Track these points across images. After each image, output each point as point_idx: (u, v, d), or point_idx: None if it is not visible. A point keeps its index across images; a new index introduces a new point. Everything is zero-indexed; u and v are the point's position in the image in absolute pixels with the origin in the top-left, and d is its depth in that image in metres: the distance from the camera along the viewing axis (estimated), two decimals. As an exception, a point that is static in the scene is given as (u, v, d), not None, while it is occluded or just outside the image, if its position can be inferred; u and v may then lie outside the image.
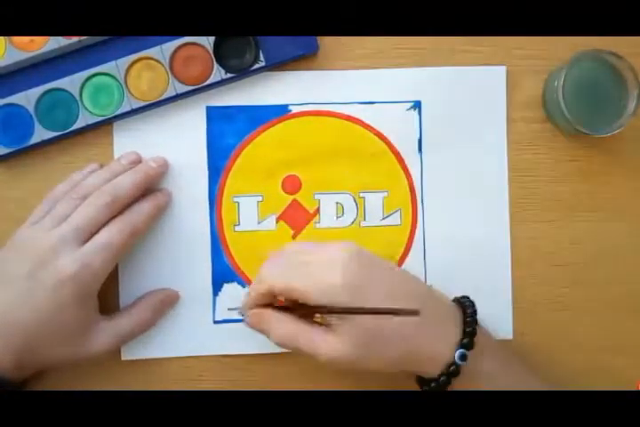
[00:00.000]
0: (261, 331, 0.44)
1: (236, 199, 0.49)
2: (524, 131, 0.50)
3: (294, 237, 0.49)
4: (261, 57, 0.47)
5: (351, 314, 0.40)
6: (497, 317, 0.49)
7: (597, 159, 0.50)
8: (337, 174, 0.49)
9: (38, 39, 0.46)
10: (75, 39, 0.46)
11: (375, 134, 0.49)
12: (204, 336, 0.48)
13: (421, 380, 0.43)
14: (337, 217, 0.49)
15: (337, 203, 0.49)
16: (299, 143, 0.49)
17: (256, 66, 0.47)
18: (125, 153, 0.47)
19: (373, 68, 0.49)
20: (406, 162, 0.49)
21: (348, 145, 0.49)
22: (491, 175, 0.50)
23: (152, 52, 0.47)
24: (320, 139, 0.49)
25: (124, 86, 0.47)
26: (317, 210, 0.49)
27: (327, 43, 0.49)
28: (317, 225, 0.49)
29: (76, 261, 0.42)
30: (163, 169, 0.47)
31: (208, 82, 0.47)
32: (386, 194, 0.49)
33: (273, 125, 0.49)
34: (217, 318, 0.48)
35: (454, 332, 0.42)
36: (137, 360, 0.48)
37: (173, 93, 0.47)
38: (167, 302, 0.47)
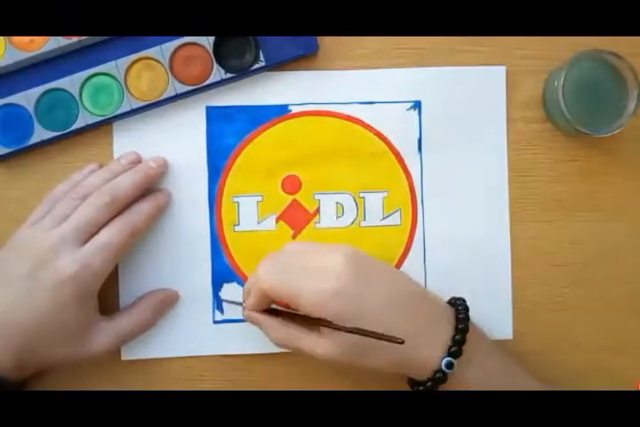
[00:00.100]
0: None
1: (235, 199, 0.49)
2: (524, 131, 0.50)
3: (294, 237, 0.49)
4: (261, 57, 0.47)
5: (337, 329, 0.40)
6: (497, 317, 0.49)
7: (597, 159, 0.50)
8: (337, 174, 0.49)
9: (38, 39, 0.46)
10: (74, 39, 0.46)
11: (375, 134, 0.49)
12: (203, 336, 0.48)
13: (412, 380, 0.44)
14: (337, 217, 0.49)
15: (337, 203, 0.49)
16: (299, 143, 0.49)
17: (256, 66, 0.47)
18: (125, 153, 0.47)
19: (373, 68, 0.49)
20: (406, 162, 0.49)
21: (348, 145, 0.49)
22: (491, 175, 0.50)
23: (152, 52, 0.47)
24: (320, 139, 0.49)
25: (123, 86, 0.47)
26: (317, 210, 0.49)
27: (327, 43, 0.49)
28: (317, 225, 0.49)
29: (75, 261, 0.42)
30: (162, 169, 0.47)
31: (208, 82, 0.47)
32: (386, 194, 0.49)
33: (273, 125, 0.49)
34: (217, 319, 0.48)
35: (447, 331, 0.42)
36: (137, 360, 0.48)
37: (173, 93, 0.47)
38: (167, 302, 0.47)
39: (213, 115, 0.49)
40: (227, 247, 0.48)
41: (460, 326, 0.42)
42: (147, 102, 0.47)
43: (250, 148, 0.49)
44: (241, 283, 0.48)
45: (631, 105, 0.46)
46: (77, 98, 0.47)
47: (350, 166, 0.49)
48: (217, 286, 0.48)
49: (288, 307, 0.44)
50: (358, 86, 0.49)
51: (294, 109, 0.49)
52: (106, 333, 0.44)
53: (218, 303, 0.48)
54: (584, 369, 0.50)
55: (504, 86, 0.50)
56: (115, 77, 0.47)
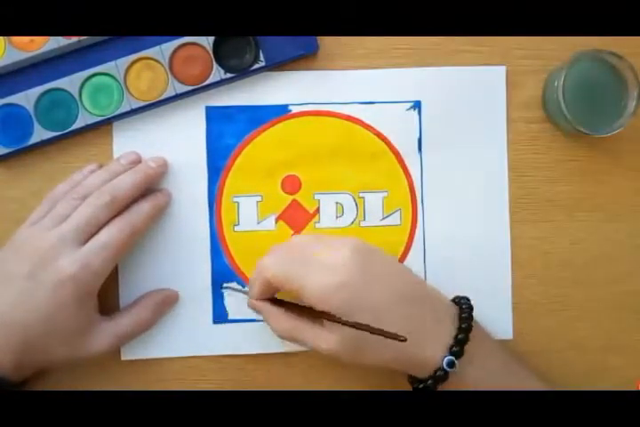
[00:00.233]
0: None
1: (235, 199, 0.49)
2: (524, 131, 0.50)
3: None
4: (261, 57, 0.47)
5: (339, 323, 0.40)
6: (497, 317, 0.49)
7: (597, 159, 0.50)
8: (337, 174, 0.49)
9: (38, 39, 0.46)
10: (74, 39, 0.46)
11: (375, 134, 0.49)
12: (203, 336, 0.48)
13: (412, 378, 0.44)
14: (337, 217, 0.49)
15: (337, 203, 0.49)
16: (299, 143, 0.49)
17: (256, 66, 0.47)
18: (125, 153, 0.47)
19: (373, 68, 0.49)
20: (406, 162, 0.49)
21: (348, 145, 0.49)
22: (491, 175, 0.50)
23: (151, 52, 0.47)
24: (320, 139, 0.49)
25: (123, 86, 0.47)
26: (317, 210, 0.49)
27: (327, 43, 0.49)
28: (317, 225, 0.49)
29: (75, 261, 0.42)
30: (162, 169, 0.47)
31: (208, 82, 0.47)
32: (386, 194, 0.49)
33: (273, 125, 0.49)
34: (216, 318, 0.48)
35: (449, 330, 0.42)
36: (137, 360, 0.48)
37: (173, 93, 0.47)
38: (167, 302, 0.47)
39: (213, 115, 0.49)
40: (226, 247, 0.48)
41: (463, 326, 0.42)
42: (146, 102, 0.47)
43: (250, 148, 0.49)
44: (241, 283, 0.48)
45: (631, 105, 0.46)
46: (77, 98, 0.47)
47: (350, 166, 0.49)
48: (217, 285, 0.48)
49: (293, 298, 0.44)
50: (358, 86, 0.49)
51: (294, 109, 0.49)
52: (106, 333, 0.44)
53: (218, 304, 0.48)
54: (584, 369, 0.50)
55: (504, 86, 0.50)
56: (114, 77, 0.47)
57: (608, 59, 0.47)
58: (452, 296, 0.47)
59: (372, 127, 0.49)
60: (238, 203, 0.49)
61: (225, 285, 0.48)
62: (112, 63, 0.47)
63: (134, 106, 0.47)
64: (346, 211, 0.49)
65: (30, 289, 0.42)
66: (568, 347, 0.50)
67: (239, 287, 0.48)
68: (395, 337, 0.38)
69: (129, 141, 0.48)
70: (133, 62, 0.47)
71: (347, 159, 0.49)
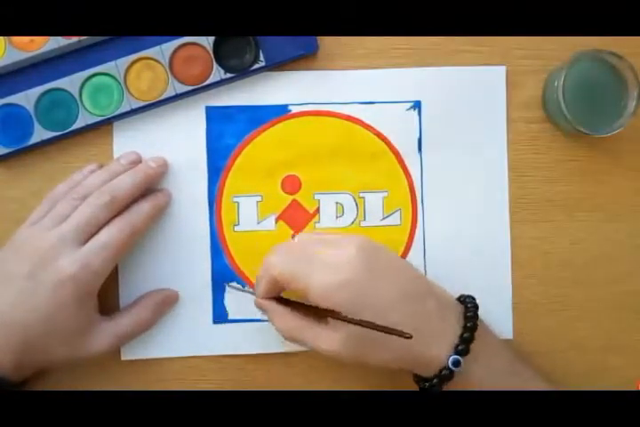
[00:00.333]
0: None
1: (235, 199, 0.49)
2: (524, 131, 0.50)
3: (294, 237, 0.49)
4: (261, 57, 0.47)
5: (344, 321, 0.40)
6: (497, 317, 0.49)
7: (597, 159, 0.50)
8: (337, 174, 0.49)
9: (38, 39, 0.46)
10: (74, 39, 0.46)
11: (375, 134, 0.49)
12: (203, 336, 0.48)
13: (418, 377, 0.44)
14: (337, 217, 0.49)
15: (337, 203, 0.49)
16: (299, 143, 0.49)
17: (256, 66, 0.47)
18: (125, 153, 0.47)
19: (373, 68, 0.49)
20: (406, 162, 0.49)
21: (348, 145, 0.49)
22: (491, 175, 0.50)
23: (152, 52, 0.47)
24: (320, 139, 0.49)
25: (123, 86, 0.47)
26: (317, 210, 0.49)
27: (327, 43, 0.49)
28: (317, 225, 0.49)
29: (75, 261, 0.42)
30: (162, 169, 0.47)
31: (208, 82, 0.47)
32: (386, 194, 0.49)
33: (273, 125, 0.49)
34: (216, 318, 0.48)
35: (455, 329, 0.42)
36: (137, 360, 0.48)
37: (173, 93, 0.47)
38: (167, 302, 0.47)
39: (213, 115, 0.49)
40: (226, 247, 0.48)
41: (468, 324, 0.42)
42: (146, 102, 0.47)
43: (250, 148, 0.49)
44: (241, 283, 0.48)
45: (631, 105, 0.46)
46: (77, 98, 0.47)
47: (350, 166, 0.49)
48: (217, 285, 0.48)
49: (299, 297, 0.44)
50: (358, 86, 0.49)
51: (294, 109, 0.49)
52: (106, 333, 0.44)
53: (218, 304, 0.48)
54: (584, 369, 0.50)
55: (504, 86, 0.50)
56: (114, 77, 0.47)
57: (608, 59, 0.47)
58: (461, 294, 0.47)
59: (371, 127, 0.49)
60: (238, 203, 0.49)
61: (229, 284, 0.48)
62: (112, 63, 0.47)
63: (134, 106, 0.47)
64: (346, 211, 0.49)
65: (30, 289, 0.42)
66: (568, 347, 0.50)
67: (243, 288, 0.48)
68: (400, 334, 0.38)
69: (129, 141, 0.48)
70: (133, 62, 0.47)
71: (347, 159, 0.49)
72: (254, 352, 0.48)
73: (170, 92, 0.47)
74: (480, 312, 0.44)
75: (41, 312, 0.42)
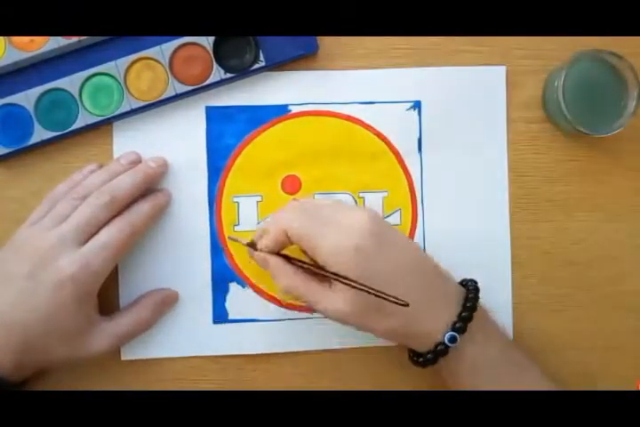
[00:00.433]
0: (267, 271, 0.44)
1: (235, 199, 0.49)
2: (524, 131, 0.50)
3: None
4: (261, 57, 0.47)
5: (346, 284, 0.40)
6: (497, 317, 0.49)
7: (597, 159, 0.50)
8: (337, 174, 0.49)
9: (38, 39, 0.46)
10: (74, 39, 0.46)
11: (375, 134, 0.49)
12: (203, 336, 0.48)
13: (413, 353, 0.44)
14: (337, 217, 0.49)
15: (337, 203, 0.49)
16: (299, 143, 0.49)
17: (256, 66, 0.47)
18: (125, 153, 0.47)
19: (373, 68, 0.49)
20: (406, 162, 0.49)
21: (348, 145, 0.49)
22: (491, 175, 0.50)
23: (152, 52, 0.47)
24: (320, 139, 0.49)
25: (123, 86, 0.47)
26: (317, 210, 0.49)
27: (327, 43, 0.49)
28: (317, 225, 0.49)
29: (75, 261, 0.42)
30: (162, 169, 0.47)
31: (208, 82, 0.47)
32: (386, 194, 0.49)
33: (273, 125, 0.49)
34: (216, 319, 0.48)
35: (455, 308, 0.43)
36: (137, 360, 0.48)
37: (173, 93, 0.47)
38: (167, 302, 0.47)
39: (213, 115, 0.49)
40: (226, 247, 0.48)
41: (467, 304, 0.43)
42: (146, 102, 0.47)
43: (250, 148, 0.49)
44: (241, 283, 0.48)
45: (631, 105, 0.46)
46: (77, 98, 0.47)
47: (350, 166, 0.49)
48: (217, 285, 0.48)
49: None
50: (358, 86, 0.49)
51: (294, 109, 0.49)
52: (106, 333, 0.44)
53: (218, 304, 0.48)
54: (584, 369, 0.50)
55: (504, 86, 0.50)
56: (114, 77, 0.47)
57: (608, 59, 0.47)
58: (464, 278, 0.47)
59: (371, 127, 0.49)
60: (238, 203, 0.49)
61: (229, 236, 0.48)
62: (112, 63, 0.47)
63: (134, 106, 0.47)
64: (346, 211, 0.49)
65: (30, 289, 0.42)
66: (568, 347, 0.50)
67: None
68: (397, 302, 0.38)
69: (129, 141, 0.48)
70: (133, 62, 0.47)
71: (347, 159, 0.49)
72: (254, 352, 0.48)
73: (170, 92, 0.47)
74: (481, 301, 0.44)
75: (41, 312, 0.42)
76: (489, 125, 0.50)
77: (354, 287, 0.40)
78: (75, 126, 0.47)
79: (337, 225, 0.42)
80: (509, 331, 0.49)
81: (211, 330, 0.48)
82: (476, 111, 0.49)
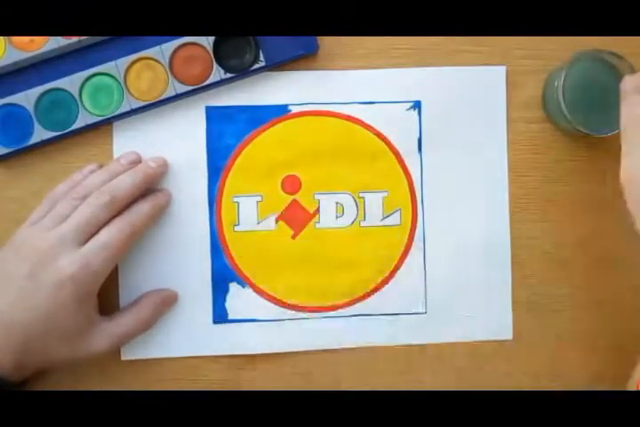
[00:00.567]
0: None
1: (235, 199, 0.49)
2: (524, 131, 0.50)
3: (294, 237, 0.49)
4: (261, 57, 0.47)
5: None
6: (497, 317, 0.49)
7: (597, 159, 0.50)
8: (337, 174, 0.49)
9: (38, 39, 0.46)
10: (74, 39, 0.46)
11: (375, 134, 0.49)
12: (203, 336, 0.48)
13: None
14: (337, 217, 0.49)
15: (337, 203, 0.49)
16: (299, 143, 0.49)
17: (256, 66, 0.47)
18: (125, 153, 0.47)
19: (373, 68, 0.49)
20: (406, 162, 0.49)
21: (348, 145, 0.49)
22: (491, 175, 0.50)
23: (152, 52, 0.47)
24: (320, 139, 0.49)
25: (123, 86, 0.47)
26: (317, 210, 0.49)
27: (327, 43, 0.49)
28: (317, 225, 0.49)
29: (75, 261, 0.42)
30: (162, 169, 0.47)
31: (208, 82, 0.47)
32: (386, 194, 0.49)
33: (273, 125, 0.49)
34: (216, 319, 0.48)
35: None
36: (137, 360, 0.48)
37: (173, 93, 0.47)
38: (167, 302, 0.47)
39: (213, 115, 0.49)
40: (226, 247, 0.48)
41: None
42: (147, 102, 0.47)
43: (250, 148, 0.49)
44: (241, 283, 0.48)
45: (631, 105, 0.46)
46: (77, 98, 0.47)
47: (350, 166, 0.49)
48: (217, 286, 0.48)
49: None
50: (358, 86, 0.49)
51: (294, 109, 0.49)
52: (105, 333, 0.44)
53: (218, 304, 0.48)
54: (584, 369, 0.50)
55: (504, 86, 0.50)
56: (114, 77, 0.47)
57: (608, 59, 0.47)
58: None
59: (371, 127, 0.49)
60: (238, 203, 0.49)
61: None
62: (112, 63, 0.47)
63: (134, 106, 0.47)
64: (346, 211, 0.49)
65: (30, 289, 0.42)
66: (568, 347, 0.50)
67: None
68: None
69: (129, 141, 0.48)
70: (133, 62, 0.47)
71: (347, 159, 0.49)
72: (254, 352, 0.48)
73: (170, 92, 0.47)
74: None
75: (41, 312, 0.42)
76: (489, 125, 0.50)
77: None
78: (75, 126, 0.47)
79: None
80: (509, 331, 0.49)
81: (210, 330, 0.48)
82: (476, 111, 0.49)
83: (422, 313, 0.49)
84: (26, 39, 0.46)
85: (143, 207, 0.45)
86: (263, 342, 0.48)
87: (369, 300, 0.49)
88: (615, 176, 0.50)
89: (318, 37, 0.48)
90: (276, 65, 0.48)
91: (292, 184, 0.49)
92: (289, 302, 0.49)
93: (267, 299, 0.48)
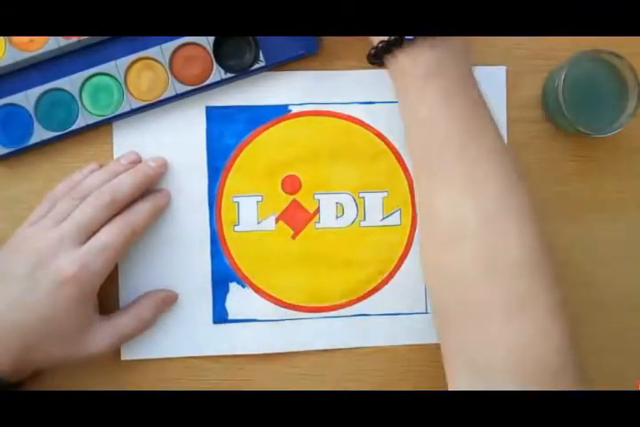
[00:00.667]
0: None
1: (235, 199, 0.49)
2: (524, 131, 0.50)
3: (294, 237, 0.49)
4: (261, 57, 0.47)
5: None
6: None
7: (597, 159, 0.50)
8: (337, 174, 0.49)
9: (38, 39, 0.46)
10: (74, 39, 0.46)
11: (375, 134, 0.49)
12: (203, 336, 0.48)
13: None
14: (337, 217, 0.49)
15: (337, 203, 0.49)
16: (299, 143, 0.49)
17: (256, 66, 0.47)
18: (125, 153, 0.47)
19: (373, 68, 0.49)
20: (406, 162, 0.49)
21: (348, 145, 0.49)
22: (491, 175, 0.50)
23: (152, 52, 0.47)
24: (320, 139, 0.49)
25: (123, 86, 0.47)
26: (317, 210, 0.49)
27: (327, 43, 0.49)
28: (317, 225, 0.49)
29: (75, 261, 0.42)
30: (162, 169, 0.47)
31: (208, 82, 0.47)
32: (386, 194, 0.49)
33: (273, 125, 0.49)
34: (216, 319, 0.48)
35: None
36: (137, 360, 0.48)
37: (173, 93, 0.47)
38: (166, 302, 0.47)
39: (213, 115, 0.49)
40: (226, 247, 0.48)
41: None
42: (147, 102, 0.47)
43: (250, 148, 0.49)
44: (241, 283, 0.48)
45: (631, 105, 0.46)
46: (77, 98, 0.47)
47: (350, 166, 0.49)
48: (217, 286, 0.48)
49: None
50: (358, 86, 0.49)
51: (294, 109, 0.49)
52: (105, 333, 0.44)
53: (218, 304, 0.48)
54: (584, 369, 0.50)
55: (504, 86, 0.50)
56: (114, 77, 0.47)
57: (608, 59, 0.47)
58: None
59: (371, 127, 0.49)
60: (238, 203, 0.49)
61: None
62: (112, 63, 0.47)
63: (134, 106, 0.47)
64: (346, 211, 0.49)
65: (30, 289, 0.42)
66: (568, 347, 0.50)
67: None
68: None
69: (129, 141, 0.48)
70: (133, 62, 0.47)
71: (347, 159, 0.49)
72: (254, 352, 0.48)
73: (170, 92, 0.47)
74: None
75: (40, 312, 0.42)
76: (489, 125, 0.49)
77: None
78: (75, 126, 0.47)
79: None
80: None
81: (211, 330, 0.48)
82: (476, 111, 0.49)
83: (422, 313, 0.49)
84: (26, 39, 0.46)
85: (143, 207, 0.45)
86: (263, 342, 0.48)
87: (369, 300, 0.49)
88: (615, 176, 0.50)
89: (318, 37, 0.48)
90: (276, 65, 0.48)
91: (291, 184, 0.49)
92: (289, 302, 0.49)
93: (267, 299, 0.48)
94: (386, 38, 0.41)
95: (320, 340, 0.49)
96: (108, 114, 0.47)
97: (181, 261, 0.48)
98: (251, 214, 0.49)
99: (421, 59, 0.40)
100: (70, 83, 0.47)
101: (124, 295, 0.48)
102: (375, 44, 0.42)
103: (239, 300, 0.48)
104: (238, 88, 0.49)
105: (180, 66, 0.47)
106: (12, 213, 0.47)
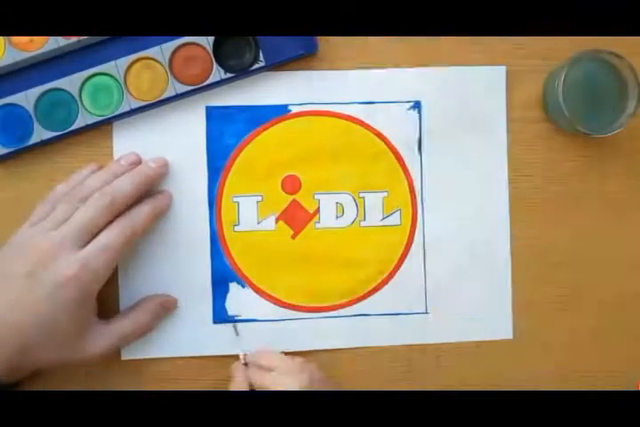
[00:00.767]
0: None
1: (235, 199, 0.49)
2: (524, 131, 0.50)
3: (294, 237, 0.49)
4: (261, 57, 0.47)
5: None
6: (497, 317, 0.49)
7: (597, 159, 0.50)
8: (337, 174, 0.49)
9: (38, 39, 0.46)
10: (74, 39, 0.46)
11: (375, 134, 0.49)
12: (203, 336, 0.48)
13: None
14: (337, 217, 0.49)
15: (337, 203, 0.49)
16: (299, 143, 0.49)
17: (256, 66, 0.47)
18: (125, 154, 0.47)
19: (373, 68, 0.49)
20: (406, 162, 0.49)
21: (348, 145, 0.49)
22: (491, 175, 0.50)
23: (152, 52, 0.47)
24: (320, 139, 0.49)
25: (123, 86, 0.47)
26: (317, 210, 0.49)
27: (327, 43, 0.49)
28: (317, 225, 0.49)
29: (75, 262, 0.42)
30: (162, 170, 0.47)
31: (208, 82, 0.47)
32: (386, 194, 0.49)
33: (273, 125, 0.49)
34: (216, 319, 0.48)
35: None
36: (137, 360, 0.48)
37: (173, 93, 0.47)
38: (166, 307, 0.47)
39: (213, 115, 0.49)
40: (226, 247, 0.48)
41: None
42: (146, 102, 0.47)
43: (250, 148, 0.49)
44: (241, 283, 0.48)
45: (631, 105, 0.46)
46: (77, 98, 0.47)
47: (350, 166, 0.49)
48: (217, 286, 0.48)
49: None
50: (358, 86, 0.49)
51: (294, 109, 0.49)
52: (103, 336, 0.44)
53: (218, 304, 0.48)
54: (584, 369, 0.50)
55: (504, 86, 0.50)
56: (114, 77, 0.47)
57: (608, 59, 0.47)
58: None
59: (371, 127, 0.49)
60: (238, 203, 0.49)
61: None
62: (112, 63, 0.47)
63: (134, 106, 0.47)
64: (346, 211, 0.49)
65: (29, 290, 0.41)
66: (568, 347, 0.50)
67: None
68: None
69: (129, 141, 0.48)
70: (133, 62, 0.47)
71: (347, 159, 0.49)
72: (254, 352, 0.48)
73: (170, 92, 0.47)
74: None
75: (39, 313, 0.41)
76: (489, 125, 0.50)
77: None
78: (75, 126, 0.47)
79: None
80: (509, 331, 0.49)
81: (211, 330, 0.48)
82: (476, 111, 0.49)
83: (422, 313, 0.49)
84: (26, 39, 0.46)
85: (144, 209, 0.45)
86: (263, 342, 0.48)
87: (369, 300, 0.49)
88: (615, 176, 0.50)
89: (318, 37, 0.48)
90: (276, 65, 0.48)
91: (292, 184, 0.49)
92: (289, 302, 0.49)
93: (267, 299, 0.48)
94: None
95: (320, 340, 0.49)
96: (108, 114, 0.47)
97: (181, 261, 0.48)
98: (251, 214, 0.49)
99: None
100: (70, 83, 0.47)
101: (125, 296, 0.48)
102: None
103: (239, 300, 0.48)
104: (238, 88, 0.49)
105: (179, 66, 0.47)
106: (12, 213, 0.47)
